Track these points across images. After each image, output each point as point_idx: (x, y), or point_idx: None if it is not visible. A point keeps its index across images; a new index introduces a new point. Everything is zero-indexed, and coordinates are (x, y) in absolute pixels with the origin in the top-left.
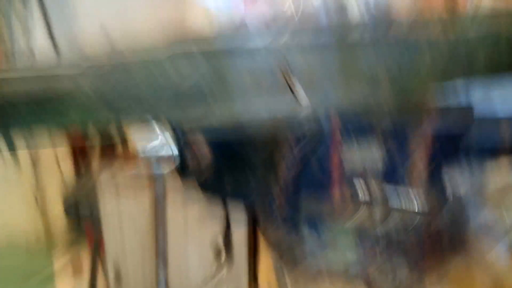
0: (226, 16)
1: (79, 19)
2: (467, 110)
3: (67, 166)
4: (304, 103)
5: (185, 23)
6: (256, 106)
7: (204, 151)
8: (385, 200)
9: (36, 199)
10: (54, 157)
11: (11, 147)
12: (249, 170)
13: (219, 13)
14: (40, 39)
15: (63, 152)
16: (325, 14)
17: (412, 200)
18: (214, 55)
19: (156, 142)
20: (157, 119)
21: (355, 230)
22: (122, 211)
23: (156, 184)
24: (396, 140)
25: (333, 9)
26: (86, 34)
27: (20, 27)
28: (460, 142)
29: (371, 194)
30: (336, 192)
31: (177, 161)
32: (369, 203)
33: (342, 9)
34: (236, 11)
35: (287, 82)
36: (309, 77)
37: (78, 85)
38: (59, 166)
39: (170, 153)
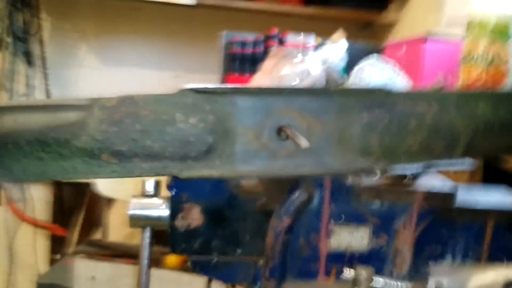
0: None
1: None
2: (449, 195)
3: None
4: (304, 146)
5: None
6: (254, 165)
7: (195, 214)
8: (369, 281)
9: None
10: (31, 239)
11: None
12: (236, 237)
13: None
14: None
15: (41, 233)
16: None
17: (396, 283)
18: (220, 108)
19: (148, 200)
20: (165, 172)
21: None
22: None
23: (143, 246)
24: (382, 219)
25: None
26: None
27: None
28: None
29: (356, 273)
30: (321, 269)
31: (168, 223)
32: (354, 282)
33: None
34: None
35: (289, 136)
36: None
37: (85, 126)
38: (34, 249)
39: (162, 213)
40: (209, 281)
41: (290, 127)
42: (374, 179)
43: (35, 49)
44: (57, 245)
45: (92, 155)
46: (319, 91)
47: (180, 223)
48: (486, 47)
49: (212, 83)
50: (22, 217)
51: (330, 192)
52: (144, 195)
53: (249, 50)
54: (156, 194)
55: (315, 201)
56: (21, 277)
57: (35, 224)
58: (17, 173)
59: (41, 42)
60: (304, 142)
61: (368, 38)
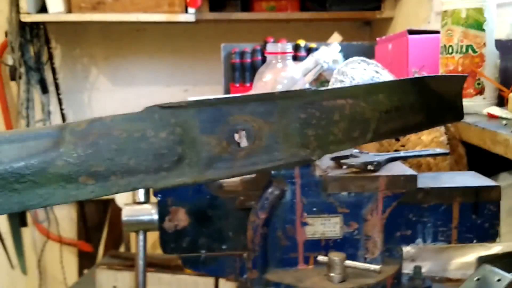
0: None
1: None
2: (410, 178)
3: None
4: (243, 145)
5: None
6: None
7: (181, 216)
8: (345, 266)
9: None
10: (58, 256)
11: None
12: (221, 236)
13: None
14: None
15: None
16: None
17: (371, 266)
18: (184, 120)
19: (139, 207)
20: (141, 186)
21: None
22: None
23: (138, 249)
24: (351, 208)
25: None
26: None
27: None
28: (409, 211)
29: (332, 260)
30: (299, 258)
31: (159, 227)
32: (329, 268)
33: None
34: None
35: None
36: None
37: (60, 152)
38: (62, 265)
39: (152, 217)
40: (216, 280)
41: (241, 134)
42: (340, 171)
43: (48, 76)
44: (85, 260)
45: (69, 180)
46: (264, 96)
47: (168, 225)
48: (460, 37)
49: (217, 94)
50: (48, 235)
51: (300, 186)
52: (136, 202)
53: (248, 60)
54: (147, 200)
55: (288, 195)
56: None
57: (61, 241)
58: None
59: (53, 69)
60: (243, 142)
61: (369, 35)
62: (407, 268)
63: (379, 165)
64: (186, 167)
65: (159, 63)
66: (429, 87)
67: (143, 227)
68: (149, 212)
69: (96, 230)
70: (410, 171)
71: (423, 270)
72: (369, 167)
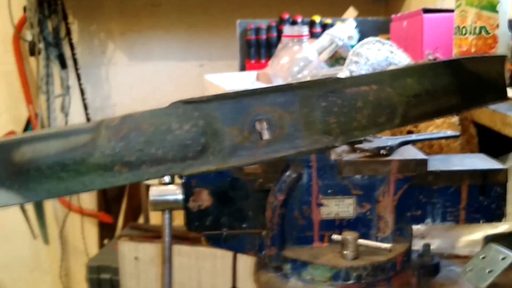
0: None
1: (113, 98)
2: (421, 162)
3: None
4: (265, 138)
5: None
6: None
7: (204, 197)
8: (358, 244)
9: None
10: (79, 227)
11: (40, 212)
12: (242, 216)
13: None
14: (76, 118)
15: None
16: None
17: (383, 244)
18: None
19: (165, 187)
20: (169, 173)
21: (329, 268)
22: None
23: (164, 226)
24: (364, 190)
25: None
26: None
27: (59, 106)
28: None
29: (346, 239)
30: (315, 236)
31: (183, 207)
32: (343, 246)
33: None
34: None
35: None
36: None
37: (96, 145)
38: (83, 236)
39: (177, 197)
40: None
41: (262, 123)
42: (354, 156)
43: (66, 51)
44: (105, 231)
45: (106, 168)
46: (283, 87)
47: (192, 204)
48: (473, 19)
49: (232, 69)
50: (69, 207)
51: (316, 170)
52: (161, 183)
53: (263, 36)
54: (172, 182)
55: (304, 178)
56: (73, 262)
57: (82, 212)
58: (42, 193)
59: (71, 45)
60: (265, 136)
61: (384, 10)
62: (417, 245)
63: (391, 150)
64: (210, 156)
65: (175, 38)
66: (465, 69)
67: (169, 206)
68: (175, 193)
69: (116, 201)
70: (421, 155)
71: (432, 247)
72: (382, 151)
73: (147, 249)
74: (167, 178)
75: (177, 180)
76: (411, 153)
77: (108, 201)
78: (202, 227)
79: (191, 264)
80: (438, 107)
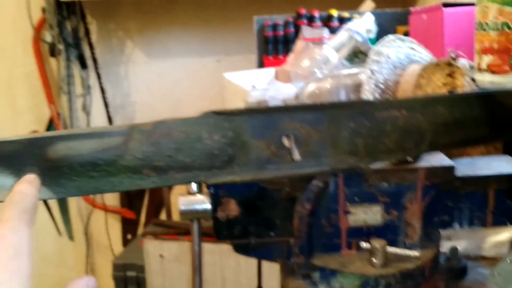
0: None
1: (132, 96)
2: (448, 169)
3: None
4: (296, 159)
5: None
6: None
7: (232, 206)
8: (386, 251)
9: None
10: (103, 223)
11: (64, 210)
12: (269, 224)
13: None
14: (98, 117)
15: (112, 217)
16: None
17: (411, 251)
18: (236, 125)
19: (193, 197)
20: (195, 180)
21: (358, 276)
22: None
23: (194, 236)
24: (391, 197)
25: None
26: (140, 112)
27: (81, 107)
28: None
29: (374, 246)
30: (343, 244)
31: (211, 215)
32: (372, 254)
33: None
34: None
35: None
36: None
37: (128, 148)
38: (107, 232)
39: (206, 207)
40: None
41: (291, 140)
42: (380, 164)
43: (86, 51)
44: (128, 226)
45: (135, 171)
46: (314, 106)
47: (220, 214)
48: (495, 14)
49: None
50: (93, 204)
51: (343, 178)
52: (189, 193)
53: (280, 32)
54: (199, 191)
55: (331, 187)
56: (98, 258)
57: (106, 209)
58: (72, 190)
59: (90, 45)
60: (296, 156)
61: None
62: (444, 247)
63: (418, 156)
64: (236, 167)
65: (192, 34)
66: (498, 102)
67: (198, 216)
68: (203, 202)
69: (138, 198)
70: (448, 161)
71: (459, 248)
72: (409, 159)
73: (172, 247)
74: (194, 187)
75: (205, 189)
76: (438, 159)
77: (131, 197)
78: (230, 236)
79: (215, 261)
80: (466, 137)
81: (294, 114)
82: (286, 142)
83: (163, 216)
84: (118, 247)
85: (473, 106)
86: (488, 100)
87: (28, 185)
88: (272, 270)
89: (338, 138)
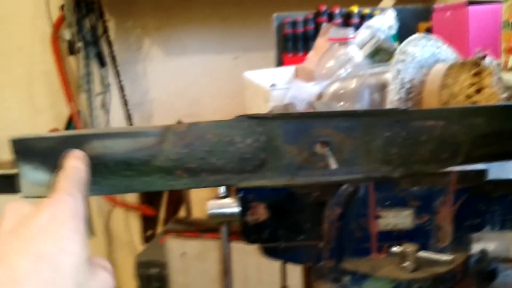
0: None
1: (151, 93)
2: (480, 173)
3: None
4: (333, 167)
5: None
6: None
7: (261, 210)
8: (418, 256)
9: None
10: (124, 220)
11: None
12: (298, 228)
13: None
14: (116, 115)
15: (132, 214)
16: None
17: (443, 255)
18: (270, 129)
19: (222, 201)
20: (226, 183)
21: (389, 281)
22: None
23: (223, 240)
24: (422, 201)
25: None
26: (158, 110)
27: (100, 105)
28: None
29: (405, 251)
30: (373, 247)
31: (240, 219)
32: (402, 257)
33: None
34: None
35: (323, 153)
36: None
37: (162, 149)
38: (128, 229)
39: (234, 211)
40: None
41: (326, 147)
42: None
43: (104, 49)
44: (148, 223)
45: (168, 172)
46: (349, 113)
47: (249, 218)
48: None
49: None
50: (114, 201)
51: (373, 183)
52: (218, 197)
53: (300, 29)
54: (227, 195)
55: (361, 191)
56: (119, 255)
57: (126, 206)
58: (106, 188)
59: (109, 42)
60: (333, 164)
61: None
62: (474, 249)
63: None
64: (267, 171)
65: (209, 31)
66: None
67: (226, 219)
68: (232, 206)
69: (157, 194)
70: (480, 165)
71: (490, 250)
72: None
73: (194, 245)
74: (222, 190)
75: (233, 193)
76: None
77: (150, 194)
78: (259, 240)
79: (237, 259)
80: (504, 150)
81: (328, 121)
82: (319, 148)
83: (182, 212)
84: (138, 244)
85: None
86: None
87: (79, 161)
88: (294, 269)
89: (372, 146)
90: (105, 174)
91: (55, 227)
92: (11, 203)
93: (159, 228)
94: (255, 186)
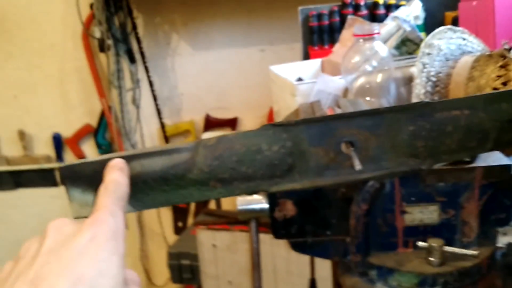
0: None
1: (179, 87)
2: (504, 168)
3: (168, 217)
4: (358, 168)
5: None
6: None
7: (289, 207)
8: (444, 250)
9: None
10: (156, 212)
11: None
12: (325, 223)
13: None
14: (146, 110)
15: (165, 209)
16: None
17: (468, 250)
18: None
19: (251, 198)
20: (258, 189)
21: (416, 275)
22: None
23: (252, 235)
24: (448, 197)
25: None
26: (186, 104)
27: (131, 100)
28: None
29: (431, 245)
30: (399, 242)
31: (269, 215)
32: (428, 252)
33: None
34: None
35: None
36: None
37: (195, 162)
38: (160, 220)
39: (263, 207)
40: None
41: (351, 147)
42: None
43: (134, 45)
44: (179, 215)
45: (203, 183)
46: (371, 111)
47: (278, 214)
48: None
49: (294, 55)
50: None
51: (399, 179)
52: None
53: (325, 22)
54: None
55: (387, 187)
56: (151, 245)
57: None
58: (148, 203)
59: (138, 39)
60: (357, 165)
61: None
62: (500, 242)
63: (474, 156)
64: (296, 175)
65: (235, 25)
66: None
67: (255, 215)
68: (261, 202)
69: None
70: (505, 160)
71: None
72: (466, 158)
73: (224, 237)
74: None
75: None
76: (495, 158)
77: None
78: (288, 235)
79: (266, 251)
80: None
81: (351, 121)
82: (344, 148)
83: (212, 204)
84: (170, 235)
85: None
86: None
87: (120, 173)
88: (322, 261)
89: (398, 141)
90: (145, 190)
91: (94, 248)
92: (54, 221)
93: (190, 220)
94: (286, 189)
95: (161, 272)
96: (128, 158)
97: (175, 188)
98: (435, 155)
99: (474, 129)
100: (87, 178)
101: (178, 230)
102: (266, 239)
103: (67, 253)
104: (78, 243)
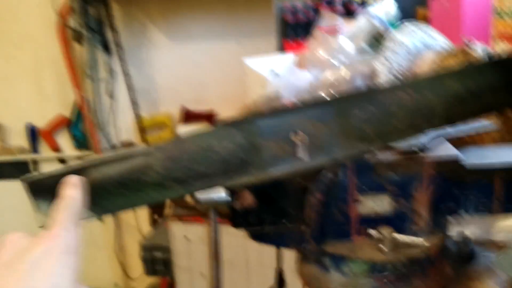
0: (278, 82)
1: (157, 79)
2: (454, 160)
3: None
4: (300, 156)
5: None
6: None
7: (248, 197)
8: (394, 238)
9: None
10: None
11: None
12: (282, 213)
13: (271, 79)
14: (122, 101)
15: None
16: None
17: (417, 238)
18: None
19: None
20: (213, 185)
21: (366, 261)
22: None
23: (211, 226)
24: (399, 187)
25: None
26: (163, 95)
27: (106, 89)
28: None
29: (382, 233)
30: (353, 231)
31: (228, 206)
32: (380, 241)
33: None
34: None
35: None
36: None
37: (150, 165)
38: (135, 213)
39: (222, 197)
40: None
41: (300, 137)
42: (389, 155)
43: (110, 36)
44: (155, 208)
45: (160, 184)
46: (319, 102)
47: (236, 204)
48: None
49: (270, 48)
50: None
51: (352, 169)
52: None
53: (300, 16)
54: None
55: (341, 177)
56: (127, 238)
57: None
58: (109, 208)
59: (114, 30)
60: (300, 154)
61: None
62: (453, 232)
63: (424, 147)
64: (250, 168)
65: (213, 18)
66: None
67: (215, 205)
68: (220, 193)
69: None
70: (455, 152)
71: (467, 233)
72: (414, 148)
73: (197, 229)
74: None
75: None
76: (445, 149)
77: None
78: (246, 224)
79: (239, 243)
80: (483, 106)
81: (302, 112)
82: (294, 139)
83: (189, 197)
84: (146, 228)
85: (488, 74)
86: (504, 65)
87: (76, 189)
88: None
89: (347, 127)
90: (105, 195)
91: (48, 262)
92: (10, 235)
93: (166, 213)
94: (241, 184)
95: (137, 264)
96: (86, 168)
97: (135, 192)
98: (384, 136)
99: (419, 107)
100: (49, 190)
101: (154, 223)
102: (237, 231)
103: (21, 266)
104: (32, 256)
